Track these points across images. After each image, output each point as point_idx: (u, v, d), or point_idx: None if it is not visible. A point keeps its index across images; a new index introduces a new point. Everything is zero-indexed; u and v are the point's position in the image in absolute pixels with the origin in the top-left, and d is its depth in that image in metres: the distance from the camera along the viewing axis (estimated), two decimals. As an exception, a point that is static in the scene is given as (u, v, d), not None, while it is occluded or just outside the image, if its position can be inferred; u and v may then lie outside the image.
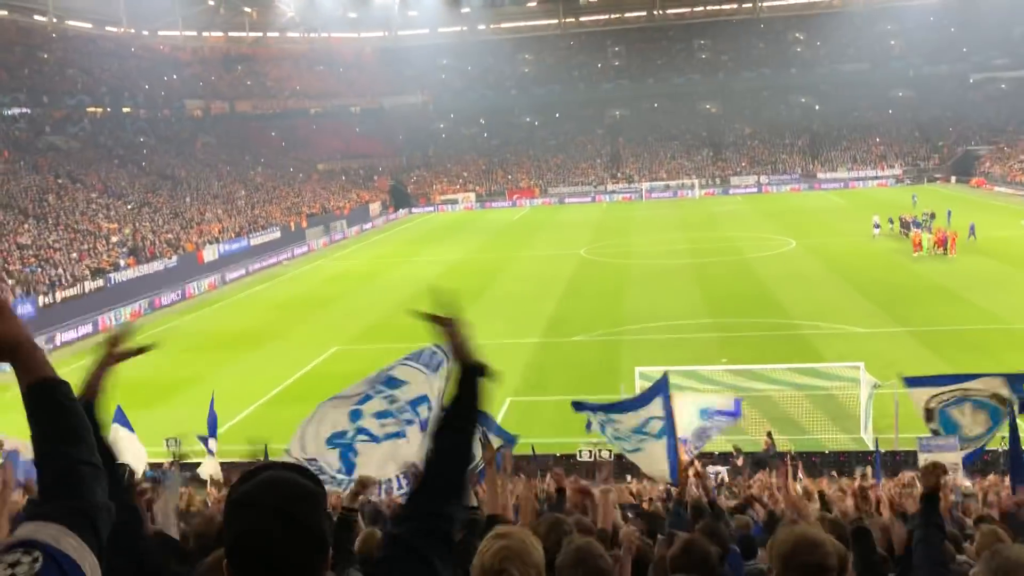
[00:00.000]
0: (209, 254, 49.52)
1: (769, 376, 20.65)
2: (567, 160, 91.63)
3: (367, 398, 7.84)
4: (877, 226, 47.83)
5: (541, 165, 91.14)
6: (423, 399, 7.88)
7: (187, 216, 54.85)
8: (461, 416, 2.41)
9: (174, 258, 46.25)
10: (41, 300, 36.32)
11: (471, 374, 2.46)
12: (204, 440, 17.77)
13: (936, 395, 9.62)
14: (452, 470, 2.33)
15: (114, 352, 2.70)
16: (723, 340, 27.45)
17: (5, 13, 65.36)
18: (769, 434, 17.92)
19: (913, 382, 9.78)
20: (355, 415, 7.81)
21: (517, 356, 27.06)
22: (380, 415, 7.77)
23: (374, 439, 7.75)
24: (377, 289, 41.94)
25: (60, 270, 39.53)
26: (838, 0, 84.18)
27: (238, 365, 28.84)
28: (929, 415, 9.72)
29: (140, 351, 2.71)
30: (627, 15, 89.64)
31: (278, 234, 57.89)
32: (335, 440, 7.78)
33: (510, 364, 26.27)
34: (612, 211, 73.19)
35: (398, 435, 7.81)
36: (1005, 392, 9.30)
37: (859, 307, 31.16)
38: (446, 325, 2.52)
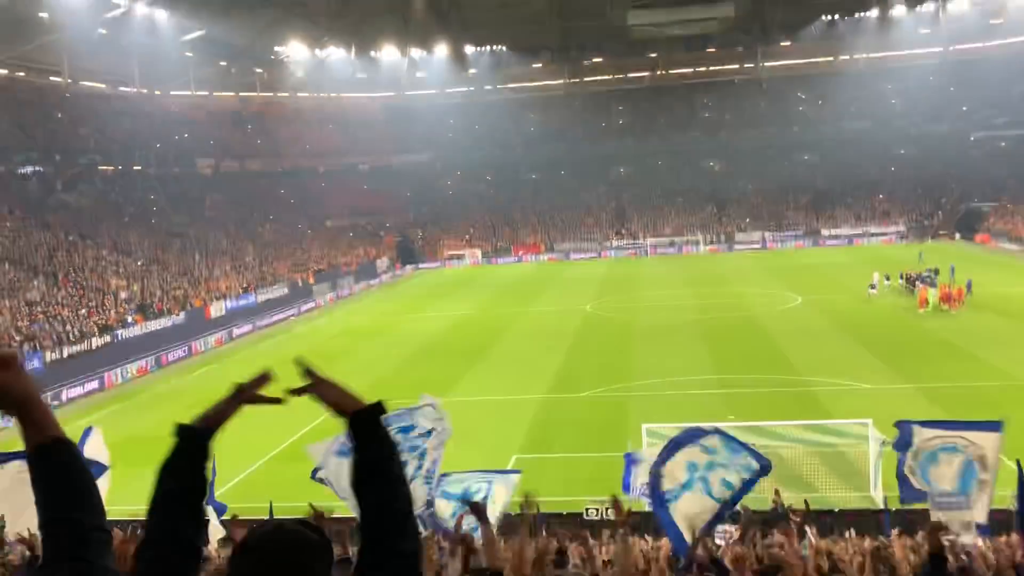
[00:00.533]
0: (216, 310, 49.69)
1: (777, 432, 20.50)
2: (572, 216, 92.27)
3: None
4: (873, 286, 46.83)
5: (547, 221, 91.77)
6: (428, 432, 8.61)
7: (195, 273, 55.20)
8: (375, 460, 2.37)
9: (181, 314, 46.41)
10: (48, 356, 36.39)
11: (363, 419, 2.42)
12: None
13: (932, 437, 9.50)
14: (392, 511, 2.29)
15: (248, 392, 2.57)
16: (730, 396, 27.32)
17: (22, 74, 66.66)
18: (777, 491, 17.70)
19: (906, 425, 9.63)
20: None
21: (523, 413, 26.95)
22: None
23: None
24: (383, 345, 41.96)
25: (68, 326, 39.68)
26: (839, 60, 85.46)
27: (243, 422, 28.32)
28: (915, 455, 9.63)
29: (273, 401, 2.62)
30: (630, 75, 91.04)
31: (285, 290, 58.15)
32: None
33: (516, 421, 26.17)
34: (617, 267, 73.44)
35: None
36: (990, 454, 9.24)
37: (867, 363, 31.03)
38: (313, 389, 2.47)
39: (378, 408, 2.44)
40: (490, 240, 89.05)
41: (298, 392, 2.49)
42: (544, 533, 15.15)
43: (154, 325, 43.93)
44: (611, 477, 20.53)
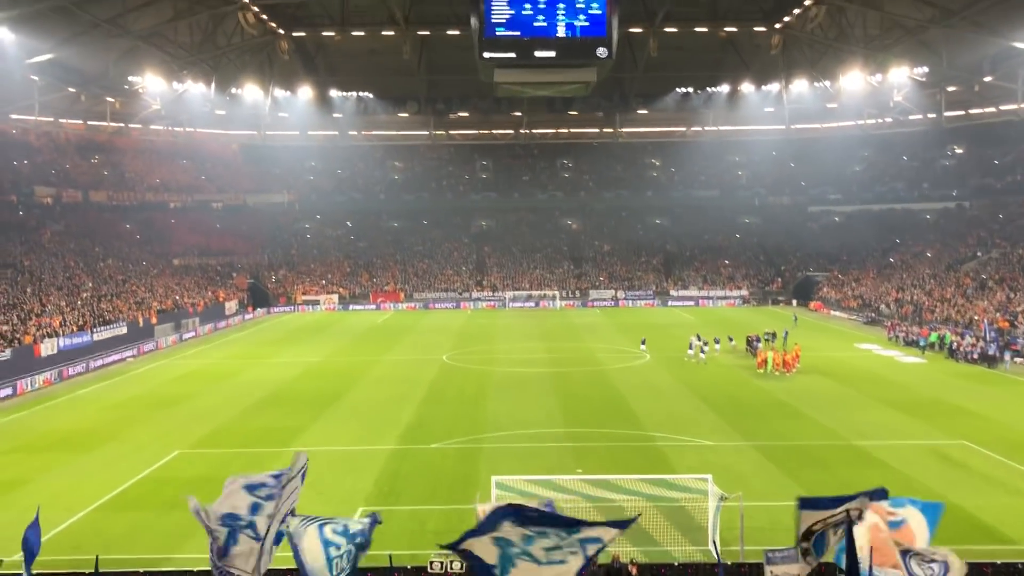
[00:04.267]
0: (47, 348, 46.46)
1: (622, 487, 20.90)
2: (433, 266, 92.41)
3: (271, 497, 8.15)
4: (692, 347, 47.45)
5: (407, 270, 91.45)
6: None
7: (26, 307, 51.57)
8: None
9: (8, 351, 43.10)
10: None
11: None
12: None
13: (826, 518, 9.67)
14: None
15: None
16: (579, 450, 27.70)
17: None
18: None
19: (807, 504, 9.75)
20: (255, 508, 8.14)
21: (371, 463, 26.39)
22: (270, 517, 8.15)
23: (256, 537, 8.07)
24: (227, 391, 40.31)
25: None
26: (691, 131, 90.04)
27: (69, 468, 26.81)
28: (807, 535, 9.78)
29: None
30: (495, 132, 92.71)
31: (124, 329, 55.09)
32: (228, 520, 8.04)
33: (363, 471, 25.57)
34: (476, 318, 73.82)
35: (260, 539, 8.12)
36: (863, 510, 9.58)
37: (708, 420, 32.22)
38: None
39: None
40: (347, 286, 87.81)
41: None
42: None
43: (-26, 361, 40.62)
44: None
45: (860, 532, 9.38)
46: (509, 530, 8.00)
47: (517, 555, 7.96)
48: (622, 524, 8.08)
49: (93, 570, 8.58)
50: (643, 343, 50.87)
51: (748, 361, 46.27)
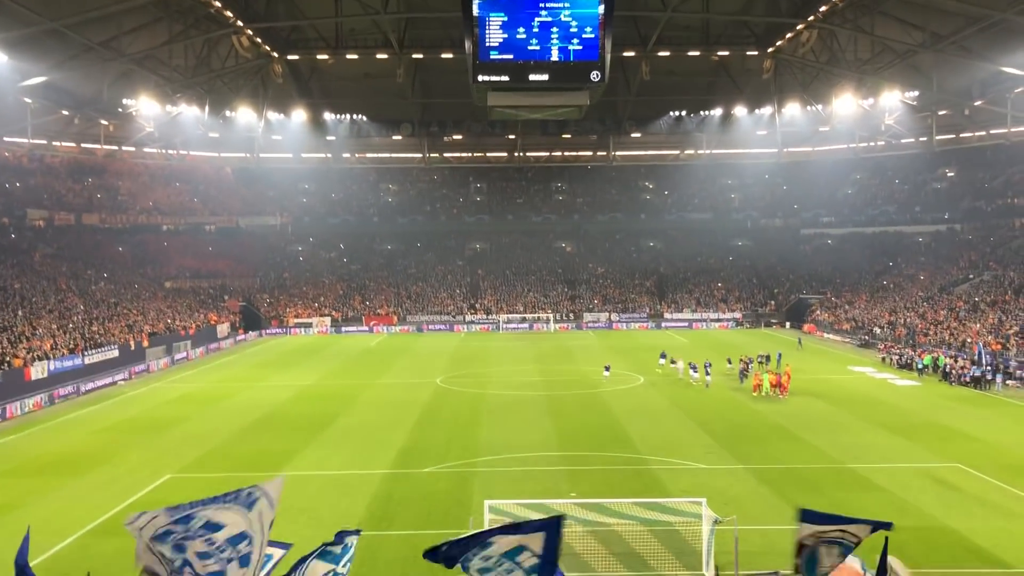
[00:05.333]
0: (37, 371, 46.17)
1: (616, 510, 20.75)
2: (426, 289, 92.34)
3: (188, 537, 7.61)
4: (664, 356, 52.79)
5: (400, 292, 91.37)
6: (242, 536, 7.67)
7: (17, 330, 51.29)
8: None
9: (-3, 374, 42.83)
10: None
11: None
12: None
13: (820, 532, 9.56)
14: None
15: None
16: (574, 473, 27.55)
17: None
18: None
19: (808, 517, 9.61)
20: (179, 548, 7.57)
21: (364, 487, 26.20)
22: (202, 555, 7.57)
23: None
24: (218, 414, 40.06)
25: None
26: (684, 154, 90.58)
27: (59, 492, 26.55)
28: (800, 550, 9.71)
29: None
30: (489, 155, 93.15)
31: (116, 353, 54.82)
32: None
33: (356, 495, 25.38)
34: (470, 341, 73.69)
35: (220, 574, 7.63)
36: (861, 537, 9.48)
37: (702, 443, 32.10)
38: None
39: None
40: (340, 309, 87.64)
41: None
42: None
43: (-36, 385, 40.29)
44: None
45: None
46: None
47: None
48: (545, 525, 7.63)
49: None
50: (607, 369, 50.39)
51: (742, 384, 46.15)
